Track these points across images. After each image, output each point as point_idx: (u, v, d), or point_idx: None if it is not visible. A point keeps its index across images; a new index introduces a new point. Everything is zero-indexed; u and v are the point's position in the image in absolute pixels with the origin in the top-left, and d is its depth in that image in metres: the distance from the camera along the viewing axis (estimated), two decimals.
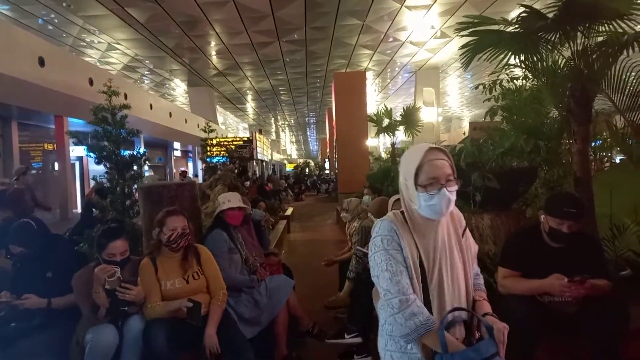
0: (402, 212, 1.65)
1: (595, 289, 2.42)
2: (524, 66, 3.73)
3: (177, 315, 2.59)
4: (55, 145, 14.96)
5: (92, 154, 4.11)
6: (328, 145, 26.84)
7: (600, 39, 3.23)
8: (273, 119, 42.21)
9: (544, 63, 3.56)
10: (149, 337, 2.50)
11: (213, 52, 19.88)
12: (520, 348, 2.47)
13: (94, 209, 5.02)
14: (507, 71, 4.24)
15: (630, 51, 3.08)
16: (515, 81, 4.50)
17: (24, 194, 6.20)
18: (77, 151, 16.03)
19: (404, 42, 19.15)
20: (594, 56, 3.24)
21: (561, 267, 2.47)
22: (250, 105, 34.48)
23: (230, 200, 3.53)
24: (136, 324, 2.56)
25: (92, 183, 4.39)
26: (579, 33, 3.24)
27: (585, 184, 3.28)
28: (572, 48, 3.31)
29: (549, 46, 3.41)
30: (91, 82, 13.73)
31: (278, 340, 3.34)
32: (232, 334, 2.72)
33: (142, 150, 4.44)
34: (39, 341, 2.58)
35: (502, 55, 3.53)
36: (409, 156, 1.61)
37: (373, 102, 30.20)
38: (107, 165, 4.12)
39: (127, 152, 4.23)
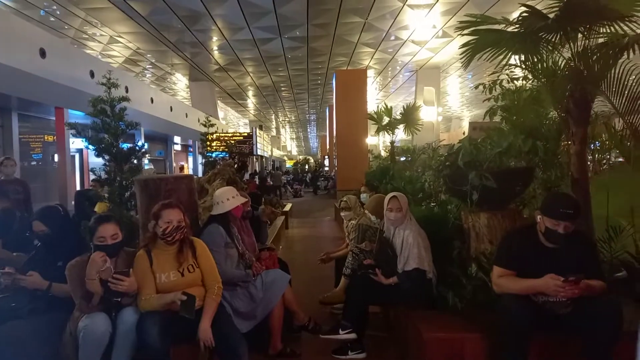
0: None
1: (589, 290, 2.43)
2: (524, 66, 3.73)
3: (171, 308, 2.59)
4: (55, 137, 14.94)
5: (91, 146, 4.12)
6: (328, 142, 26.82)
7: (600, 40, 3.22)
8: (274, 115, 42.17)
9: (544, 63, 3.55)
10: (142, 329, 2.50)
11: (215, 47, 19.85)
12: (513, 347, 2.49)
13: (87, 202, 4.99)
14: (508, 71, 4.24)
15: (631, 54, 3.07)
16: (515, 81, 4.49)
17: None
18: (77, 143, 16.01)
19: (405, 41, 19.11)
20: (594, 57, 3.23)
21: (556, 268, 2.48)
22: (251, 101, 34.44)
23: (234, 196, 3.55)
24: (130, 316, 2.56)
25: (92, 175, 4.40)
26: (579, 34, 3.23)
27: (582, 185, 3.28)
28: (573, 49, 3.30)
29: (549, 46, 3.40)
30: (92, 75, 13.72)
31: (273, 334, 3.35)
32: (226, 328, 2.72)
33: (141, 143, 4.44)
34: (29, 325, 2.58)
35: (502, 55, 3.52)
36: None
37: (374, 100, 30.19)
38: (106, 158, 4.12)
39: (126, 145, 4.23)
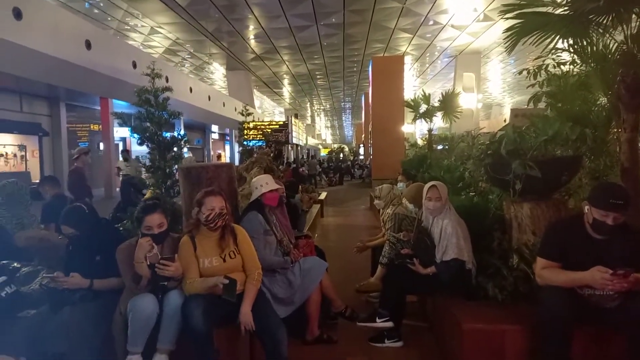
0: None
1: (639, 284, 2.33)
2: (572, 50, 3.57)
3: (214, 292, 2.68)
4: (100, 126, 15.55)
5: (135, 135, 4.26)
6: (363, 130, 26.64)
7: None
8: (309, 103, 42.24)
9: (594, 47, 3.39)
10: (187, 311, 2.60)
11: (251, 36, 20.02)
12: (556, 340, 2.43)
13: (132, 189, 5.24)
14: (554, 56, 4.07)
15: None
16: (562, 66, 4.30)
17: (83, 174, 6.49)
18: (121, 132, 16.61)
19: (444, 26, 18.65)
20: None
21: (604, 260, 2.39)
22: (286, 90, 34.61)
23: (267, 183, 3.59)
24: (175, 299, 2.67)
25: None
26: (633, 15, 3.07)
27: (633, 174, 3.14)
28: (625, 31, 3.14)
29: (600, 29, 3.24)
30: (135, 65, 14.13)
31: (310, 320, 3.41)
32: (266, 313, 2.79)
33: (182, 132, 4.56)
34: (83, 310, 2.72)
35: (549, 39, 3.39)
36: None
37: (411, 87, 29.69)
38: (149, 146, 4.26)
39: (168, 134, 4.36)
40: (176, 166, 4.17)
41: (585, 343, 2.56)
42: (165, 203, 3.83)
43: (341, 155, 36.92)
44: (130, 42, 18.86)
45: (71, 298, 2.78)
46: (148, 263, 2.64)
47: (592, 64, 3.52)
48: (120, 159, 11.96)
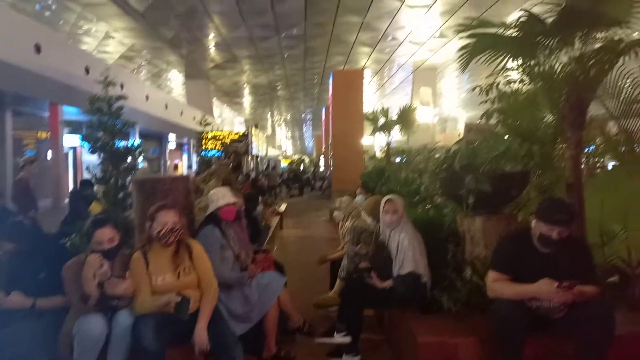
0: None
1: (583, 295, 2.44)
2: (521, 70, 3.74)
3: (166, 310, 2.58)
4: (49, 134, 14.80)
5: (86, 144, 4.09)
6: (324, 142, 26.79)
7: (597, 45, 3.23)
8: (269, 113, 42.09)
9: (541, 67, 3.57)
10: (138, 332, 2.49)
11: (211, 45, 19.78)
12: (507, 350, 2.51)
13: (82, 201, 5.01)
14: (504, 74, 4.25)
15: (626, 58, 3.09)
16: (511, 84, 4.49)
17: (29, 184, 6.18)
18: (70, 140, 15.87)
19: (403, 41, 19.15)
20: (590, 62, 3.25)
21: (550, 272, 2.49)
22: (247, 100, 34.37)
23: (224, 196, 3.52)
24: (125, 318, 2.55)
25: (85, 173, 4.36)
26: (576, 39, 3.25)
27: (577, 189, 3.30)
28: (570, 53, 3.32)
29: (546, 51, 3.42)
30: (87, 71, 13.60)
31: (268, 337, 3.34)
32: (221, 331, 2.72)
33: (137, 141, 4.42)
34: (26, 329, 2.58)
35: (499, 58, 3.54)
36: None
37: (370, 101, 30.19)
38: (102, 156, 4.09)
39: (121, 144, 4.20)
40: (129, 178, 4.02)
41: (535, 348, 2.64)
42: (117, 217, 3.68)
43: (302, 166, 36.86)
44: (84, 47, 18.19)
45: (15, 316, 2.62)
46: (97, 281, 2.52)
47: (540, 83, 3.69)
48: None
